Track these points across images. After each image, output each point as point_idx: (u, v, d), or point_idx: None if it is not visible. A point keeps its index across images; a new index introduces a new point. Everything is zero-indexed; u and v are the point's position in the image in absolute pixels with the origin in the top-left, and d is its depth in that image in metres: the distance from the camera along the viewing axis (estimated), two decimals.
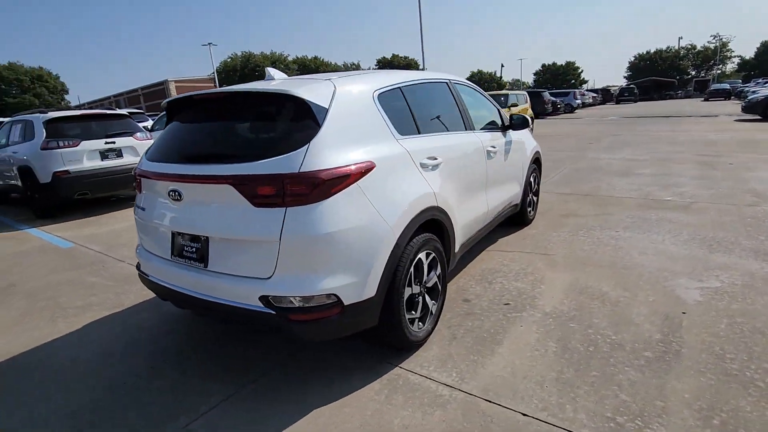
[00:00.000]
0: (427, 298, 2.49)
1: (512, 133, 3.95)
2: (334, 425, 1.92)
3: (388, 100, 2.41)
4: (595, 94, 41.51)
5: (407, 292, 2.26)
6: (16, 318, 3.19)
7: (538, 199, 4.91)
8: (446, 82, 3.15)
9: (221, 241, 2.01)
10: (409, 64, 51.41)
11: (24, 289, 3.76)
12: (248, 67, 37.22)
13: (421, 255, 2.37)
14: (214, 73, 38.98)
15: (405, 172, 2.26)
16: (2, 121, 8.49)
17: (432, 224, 2.49)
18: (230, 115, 2.21)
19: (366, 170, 2.03)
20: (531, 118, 14.79)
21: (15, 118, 7.19)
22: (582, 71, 73.32)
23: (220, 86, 39.37)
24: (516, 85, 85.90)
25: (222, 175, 1.92)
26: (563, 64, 73.12)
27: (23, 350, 2.72)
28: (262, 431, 1.91)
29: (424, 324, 2.48)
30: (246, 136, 2.11)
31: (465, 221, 2.95)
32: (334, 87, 2.12)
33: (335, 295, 1.91)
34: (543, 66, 75.83)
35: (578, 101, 31.30)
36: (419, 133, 2.57)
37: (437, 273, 2.56)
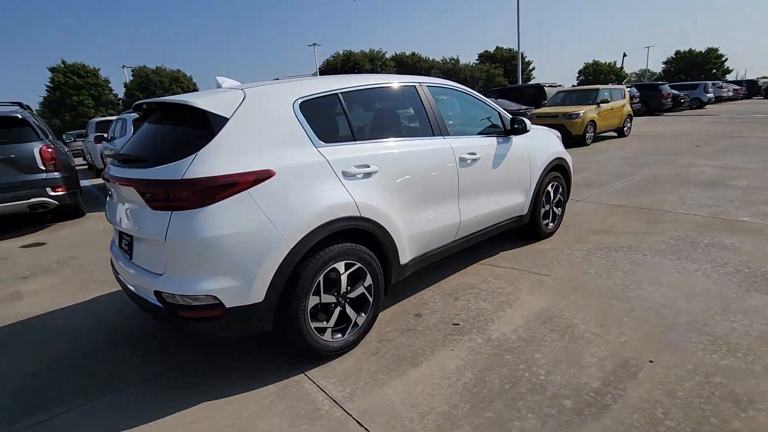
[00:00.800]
0: (350, 309, 2.45)
1: (517, 138, 3.61)
2: (208, 419, 2.02)
3: (315, 107, 2.41)
4: (738, 87, 35.01)
5: (312, 301, 2.26)
6: (55, 285, 3.89)
7: (563, 211, 4.40)
8: (414, 86, 3.00)
9: (137, 237, 2.23)
10: (513, 57, 48.87)
11: (79, 261, 4.54)
12: (348, 65, 38.99)
13: (338, 265, 2.34)
14: (316, 72, 41.65)
15: (316, 181, 2.25)
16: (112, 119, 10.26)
17: (358, 234, 2.43)
18: (154, 123, 2.43)
19: (261, 178, 2.07)
20: (629, 116, 13.18)
21: (119, 117, 8.59)
22: (726, 59, 62.25)
23: None
24: (642, 75, 76.03)
25: (129, 178, 2.13)
26: (702, 51, 62.88)
27: (39, 313, 3.31)
28: (147, 411, 2.09)
29: (343, 335, 2.44)
30: (158, 143, 2.29)
31: (420, 232, 2.81)
32: (243, 96, 2.19)
33: (215, 297, 2.00)
34: (677, 53, 66.04)
35: (710, 95, 26.73)
36: (355, 140, 2.52)
37: (366, 284, 2.50)
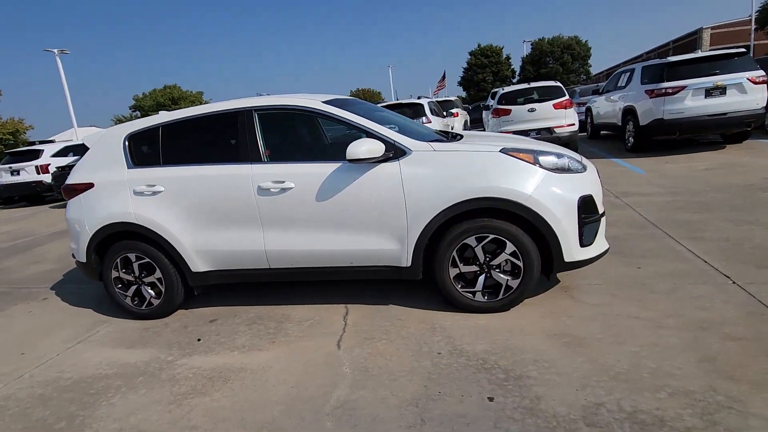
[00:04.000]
0: (146, 290, 3.30)
1: (386, 166, 2.76)
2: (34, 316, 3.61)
3: (138, 139, 3.25)
4: None
5: (114, 273, 3.31)
6: None
7: (524, 283, 2.72)
8: (238, 112, 3.03)
9: None
10: None
11: None
12: None
13: (129, 255, 3.25)
14: (752, 14, 29.49)
15: (114, 194, 3.17)
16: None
17: (140, 236, 3.18)
18: None
19: (86, 188, 3.28)
20: None
21: (624, 69, 9.38)
22: None
23: (758, 29, 29.45)
24: None
25: None
26: None
27: None
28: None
29: (141, 306, 3.35)
30: None
31: (213, 250, 3.09)
32: (104, 133, 3.38)
33: (73, 252, 3.48)
34: None
35: None
36: (161, 164, 3.16)
37: (156, 276, 3.24)
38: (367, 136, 2.80)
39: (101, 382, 2.56)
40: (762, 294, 2.66)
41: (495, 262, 2.75)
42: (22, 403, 2.44)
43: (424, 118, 8.94)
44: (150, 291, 3.31)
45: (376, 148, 2.69)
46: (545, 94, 8.57)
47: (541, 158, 2.70)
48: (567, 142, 8.47)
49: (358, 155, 2.64)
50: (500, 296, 2.79)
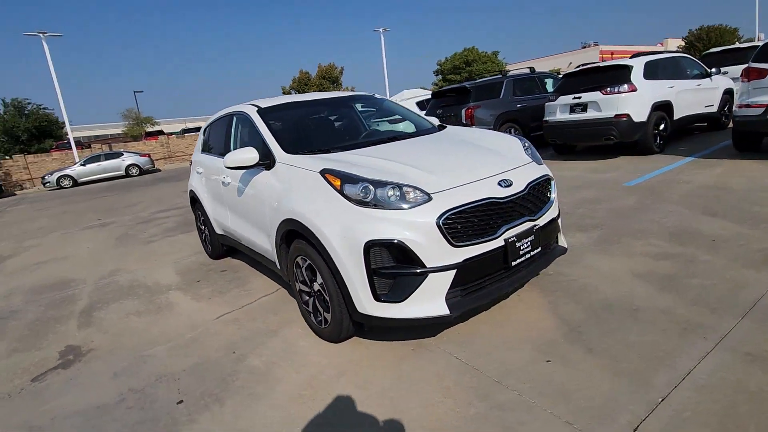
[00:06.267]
0: (205, 238, 4.77)
1: (265, 174, 3.02)
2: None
3: (207, 131, 4.55)
4: None
5: (198, 224, 4.93)
6: None
7: (333, 323, 2.44)
8: (230, 115, 3.78)
9: None
10: None
11: None
12: None
13: (198, 213, 4.76)
14: None
15: (194, 170, 4.67)
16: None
17: (196, 202, 4.58)
18: None
19: (191, 163, 4.93)
20: None
21: None
22: None
23: None
24: None
25: None
26: None
27: None
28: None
29: (206, 250, 4.86)
30: None
31: (218, 219, 4.17)
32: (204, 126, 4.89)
33: None
34: None
35: None
36: (209, 152, 4.39)
37: (205, 231, 4.64)
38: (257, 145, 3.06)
39: (132, 290, 4.15)
40: None
41: (315, 288, 2.59)
42: (96, 287, 4.33)
43: (625, 85, 6.74)
44: (206, 240, 4.76)
45: (248, 158, 2.94)
46: None
47: (347, 186, 2.27)
48: None
49: (227, 164, 3.00)
50: (323, 326, 2.62)
